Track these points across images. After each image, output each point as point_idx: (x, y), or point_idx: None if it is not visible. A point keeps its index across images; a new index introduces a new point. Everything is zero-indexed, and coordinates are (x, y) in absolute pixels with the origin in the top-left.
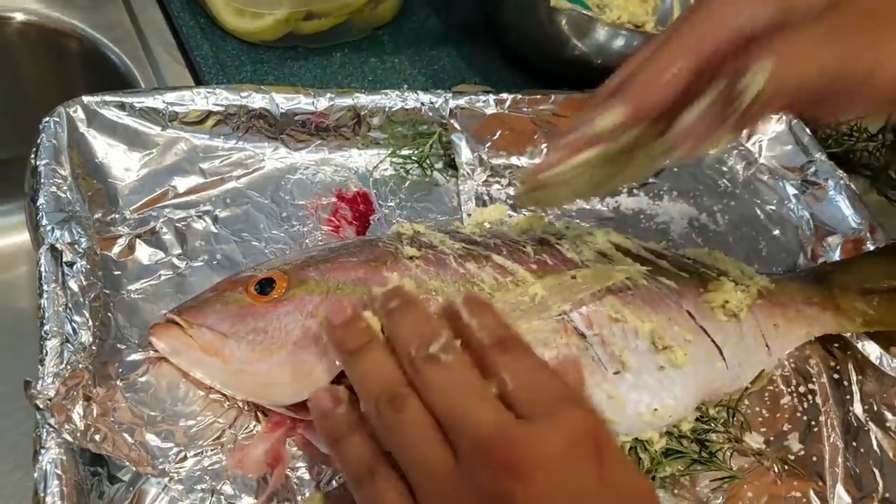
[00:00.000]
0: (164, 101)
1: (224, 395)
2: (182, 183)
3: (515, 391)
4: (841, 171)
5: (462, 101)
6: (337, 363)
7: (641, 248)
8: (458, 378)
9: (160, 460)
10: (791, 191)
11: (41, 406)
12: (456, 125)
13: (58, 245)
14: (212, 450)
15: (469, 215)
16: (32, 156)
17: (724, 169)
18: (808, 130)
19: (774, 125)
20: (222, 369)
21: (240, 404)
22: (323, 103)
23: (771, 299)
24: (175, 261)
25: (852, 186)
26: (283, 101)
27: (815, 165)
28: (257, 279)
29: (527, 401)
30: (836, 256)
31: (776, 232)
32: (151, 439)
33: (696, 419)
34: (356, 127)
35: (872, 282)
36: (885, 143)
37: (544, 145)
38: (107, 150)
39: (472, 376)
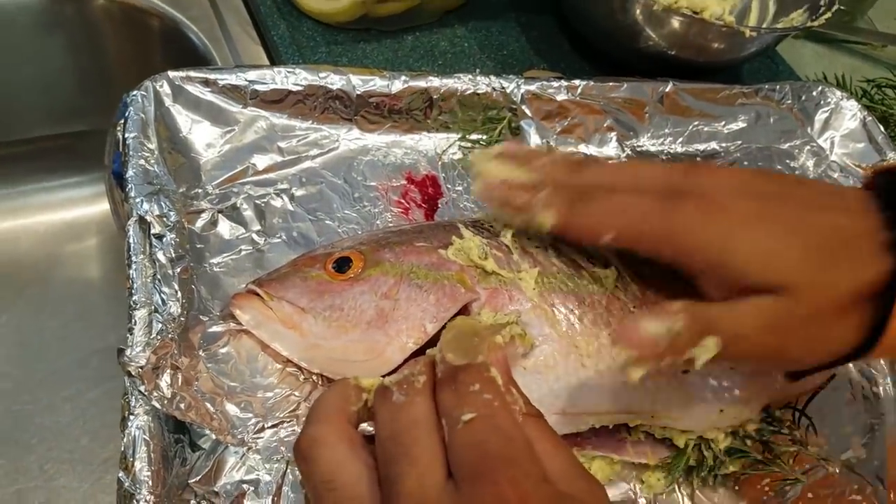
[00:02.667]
0: (245, 79)
1: (300, 368)
2: (261, 160)
3: (451, 440)
4: None
5: (534, 87)
6: (410, 345)
7: None
8: (403, 419)
9: (239, 430)
10: None
11: (133, 373)
12: (526, 111)
13: (147, 217)
14: (288, 422)
15: None
16: (119, 128)
17: (795, 165)
18: (881, 128)
19: (848, 122)
20: (299, 343)
21: (314, 378)
22: (397, 85)
23: None
24: (254, 236)
25: None
26: (359, 82)
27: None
28: (335, 257)
29: (459, 454)
30: None
31: None
32: (231, 409)
33: (762, 420)
34: (427, 110)
35: None
36: None
37: (612, 134)
38: (191, 125)
39: (419, 418)
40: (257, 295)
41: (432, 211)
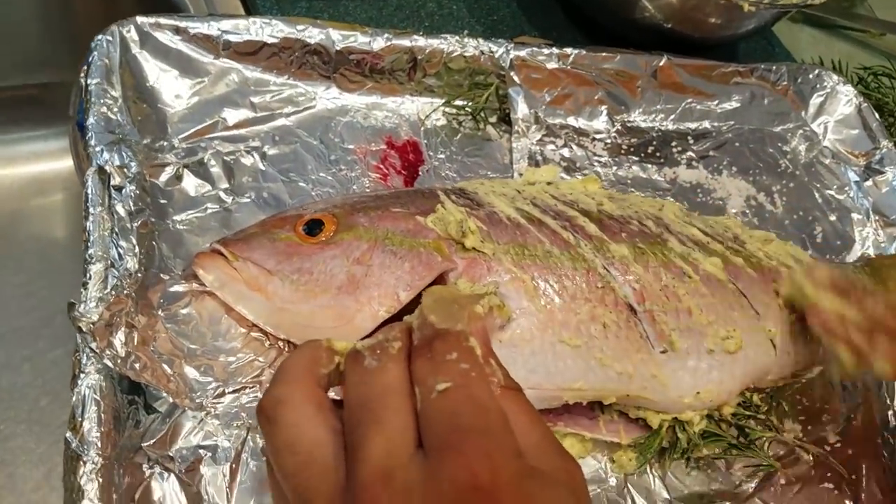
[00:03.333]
0: (218, 29)
1: (265, 334)
2: (232, 115)
3: (423, 409)
4: None
5: (523, 53)
6: (381, 313)
7: (707, 224)
8: (375, 384)
9: (198, 394)
10: (853, 177)
11: (84, 329)
12: (515, 78)
13: (106, 167)
14: (251, 388)
15: (520, 174)
16: (82, 74)
17: (787, 149)
18: (876, 115)
19: (843, 107)
20: (265, 306)
21: (280, 344)
22: (379, 43)
23: None
24: (222, 195)
25: None
26: (339, 37)
27: (881, 153)
28: (306, 219)
29: (431, 423)
30: (892, 249)
31: (833, 218)
32: (190, 372)
33: (739, 404)
34: (411, 72)
35: None
36: None
37: (603, 107)
38: (158, 74)
39: (391, 384)
40: (222, 255)
41: (412, 178)
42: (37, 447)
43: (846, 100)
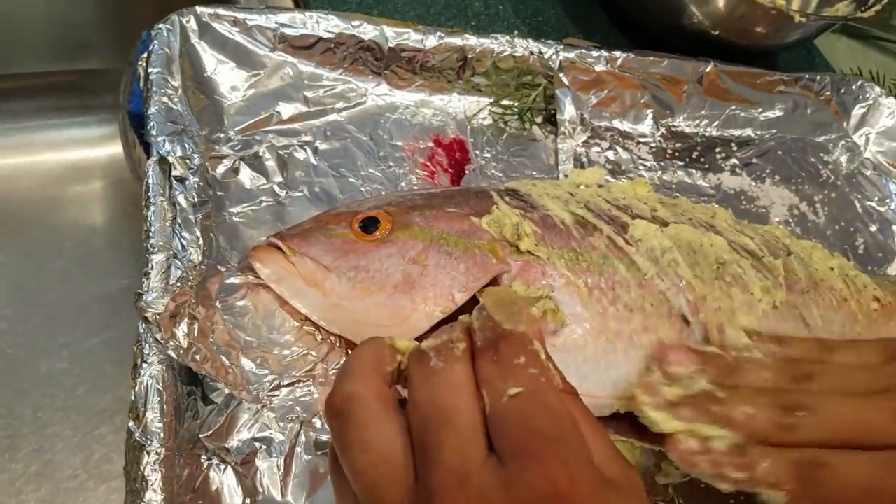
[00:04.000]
0: (276, 22)
1: (317, 328)
2: (286, 109)
3: (494, 412)
4: None
5: (572, 55)
6: (436, 314)
7: (758, 233)
8: (443, 386)
9: (255, 386)
10: (894, 189)
11: (150, 319)
12: (563, 79)
13: (169, 158)
14: (304, 381)
15: (566, 176)
16: (141, 62)
17: (828, 159)
18: None
19: (885, 119)
20: (321, 302)
21: (332, 339)
22: (432, 41)
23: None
24: (276, 188)
25: None
26: (393, 34)
27: None
28: (362, 216)
29: (504, 429)
30: None
31: (874, 229)
32: (247, 364)
33: None
34: (461, 70)
35: None
36: None
37: (649, 111)
38: (216, 65)
39: (460, 385)
40: (279, 249)
41: (458, 176)
42: (73, 435)
43: (888, 112)
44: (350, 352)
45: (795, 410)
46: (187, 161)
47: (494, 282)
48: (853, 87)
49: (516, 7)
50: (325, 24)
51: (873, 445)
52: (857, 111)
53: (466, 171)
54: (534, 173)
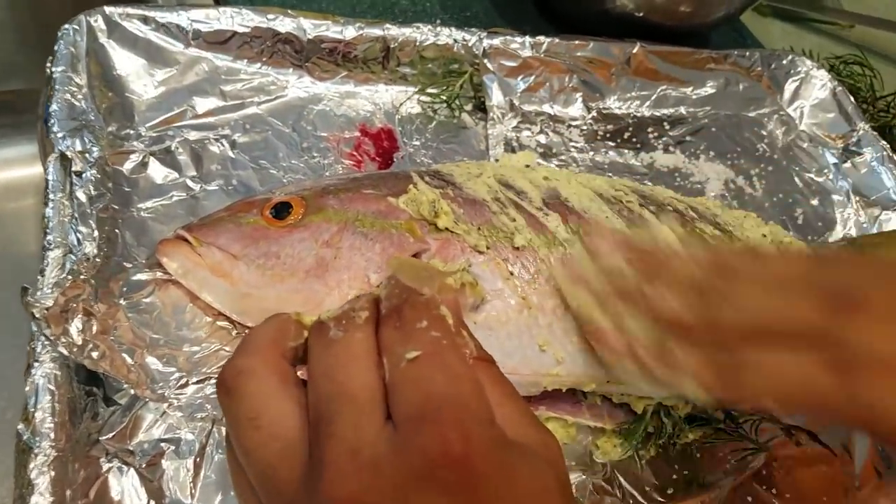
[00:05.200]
0: (188, 18)
1: (232, 323)
2: (201, 104)
3: (392, 378)
4: (884, 142)
5: (496, 42)
6: (352, 295)
7: (689, 207)
8: (340, 355)
9: (160, 384)
10: (831, 159)
11: (37, 315)
12: (488, 66)
13: (68, 153)
14: (216, 378)
15: (497, 160)
16: (48, 63)
17: (764, 133)
18: (851, 99)
19: (817, 91)
20: (230, 292)
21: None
22: (351, 32)
23: None
24: (189, 182)
25: (895, 158)
26: (310, 26)
27: (858, 135)
28: (273, 202)
29: (401, 393)
30: (874, 229)
31: (814, 201)
32: (152, 362)
33: None
34: (385, 60)
35: None
36: None
37: (578, 94)
38: (126, 63)
39: (358, 354)
40: (186, 241)
41: (386, 165)
42: None
43: (821, 84)
44: None
45: (719, 302)
46: (86, 155)
47: None
48: (784, 62)
49: (444, 3)
50: (239, 19)
51: (794, 334)
52: (790, 85)
53: (395, 160)
54: (465, 159)
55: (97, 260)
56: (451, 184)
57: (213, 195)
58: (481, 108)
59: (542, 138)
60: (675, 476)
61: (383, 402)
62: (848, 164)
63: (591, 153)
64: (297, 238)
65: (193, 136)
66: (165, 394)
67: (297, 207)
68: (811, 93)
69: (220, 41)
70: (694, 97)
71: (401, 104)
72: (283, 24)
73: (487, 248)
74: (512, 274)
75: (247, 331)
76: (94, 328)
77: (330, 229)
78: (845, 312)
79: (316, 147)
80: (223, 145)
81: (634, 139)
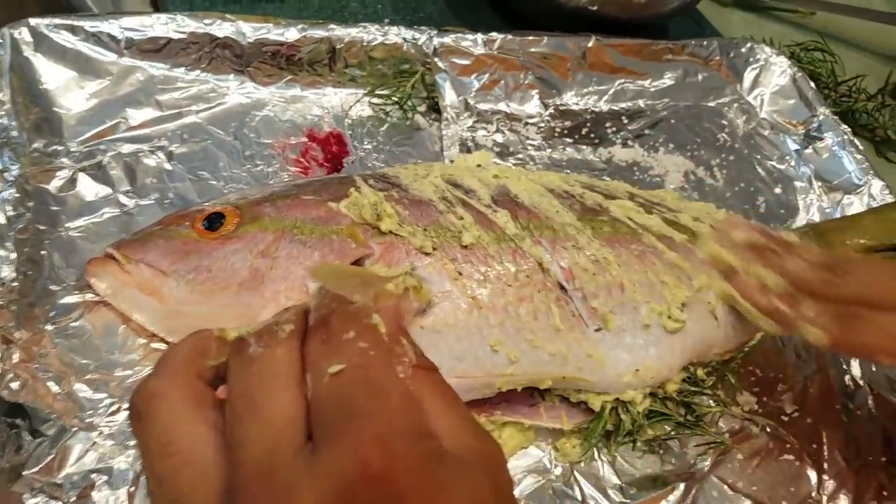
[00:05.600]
0: (120, 27)
1: (167, 343)
2: (136, 115)
3: (314, 395)
4: (845, 126)
5: (447, 40)
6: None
7: (638, 198)
8: (259, 373)
9: (89, 412)
10: (792, 146)
11: None
12: (440, 65)
13: None
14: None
15: (452, 161)
16: None
17: (724, 122)
18: (812, 84)
19: (777, 78)
20: (160, 311)
21: None
22: (294, 34)
23: None
24: (122, 198)
25: (856, 142)
26: (250, 30)
27: (818, 120)
28: (206, 213)
29: (321, 411)
30: (838, 213)
31: (777, 189)
32: (80, 389)
33: (683, 380)
34: (331, 63)
35: (873, 239)
36: (885, 104)
37: (534, 91)
38: (54, 76)
39: (278, 371)
40: (115, 259)
41: (336, 170)
42: None
43: (780, 71)
44: None
45: (838, 273)
46: (4, 174)
47: (356, 266)
48: (742, 50)
49: (395, 5)
50: (174, 25)
51: None
52: (750, 73)
53: (345, 164)
54: (419, 161)
55: (14, 284)
56: (397, 186)
57: (147, 210)
58: (435, 108)
59: (498, 137)
60: (637, 475)
61: (304, 421)
62: (809, 150)
63: (549, 150)
64: (231, 250)
65: (127, 149)
66: (95, 422)
67: (230, 217)
68: (771, 80)
69: (154, 49)
70: (652, 89)
71: (350, 107)
72: (221, 28)
73: (434, 249)
74: (461, 274)
75: None
76: (15, 357)
77: (266, 239)
78: None
79: (259, 155)
80: (159, 157)
81: (592, 135)
